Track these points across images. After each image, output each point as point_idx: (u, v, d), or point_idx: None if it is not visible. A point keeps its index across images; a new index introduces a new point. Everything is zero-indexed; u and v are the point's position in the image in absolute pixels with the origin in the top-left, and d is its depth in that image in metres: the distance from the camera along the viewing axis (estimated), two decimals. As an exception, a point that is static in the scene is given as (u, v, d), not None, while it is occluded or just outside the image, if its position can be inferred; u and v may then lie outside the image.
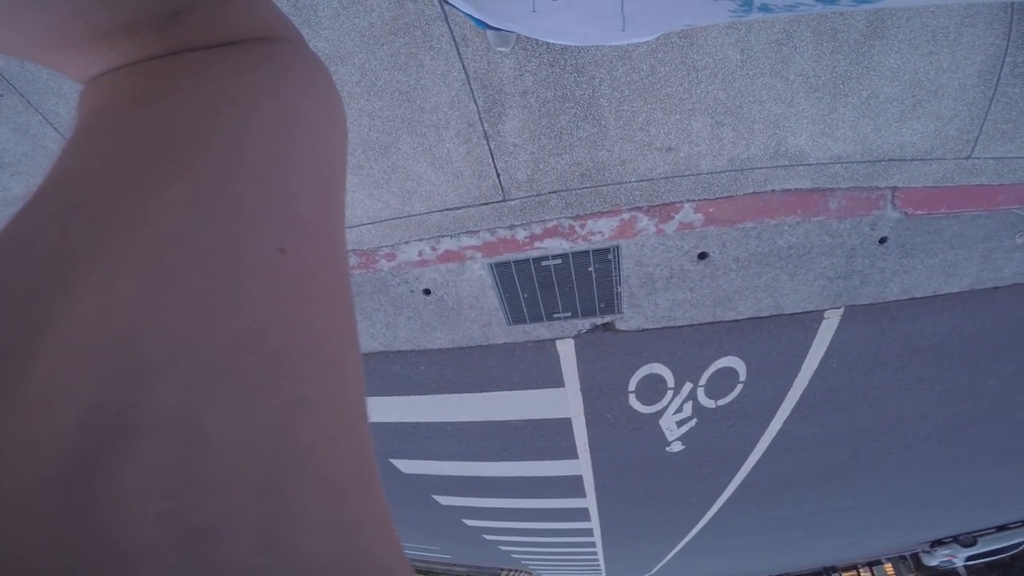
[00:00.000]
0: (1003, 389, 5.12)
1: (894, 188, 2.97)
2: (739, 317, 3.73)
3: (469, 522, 8.70)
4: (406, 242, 3.15)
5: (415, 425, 4.84)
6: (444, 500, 7.24)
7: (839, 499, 8.08)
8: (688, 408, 4.43)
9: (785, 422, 4.75)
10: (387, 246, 3.19)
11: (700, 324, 3.77)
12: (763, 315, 3.73)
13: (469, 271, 3.30)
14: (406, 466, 5.91)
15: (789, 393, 4.44)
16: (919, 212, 3.09)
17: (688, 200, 3.08)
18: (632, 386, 4.22)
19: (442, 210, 2.97)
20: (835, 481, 6.97)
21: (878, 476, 7.22)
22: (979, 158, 2.85)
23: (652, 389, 4.24)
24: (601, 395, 4.32)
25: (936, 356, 4.33)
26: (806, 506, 8.20)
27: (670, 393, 4.27)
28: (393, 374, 4.11)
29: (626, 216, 3.14)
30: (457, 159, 2.78)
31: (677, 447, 4.92)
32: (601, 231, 3.17)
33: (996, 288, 3.70)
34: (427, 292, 3.44)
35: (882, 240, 3.30)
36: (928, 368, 4.47)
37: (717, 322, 3.77)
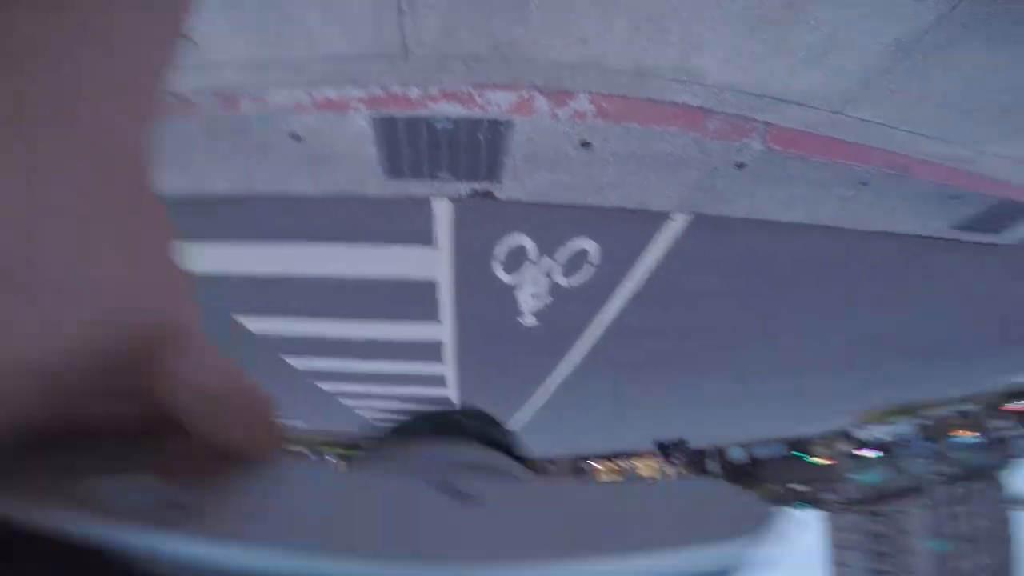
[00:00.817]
0: (794, 311, 6.17)
1: (768, 123, 3.22)
2: (606, 205, 3.98)
3: (323, 385, 8.48)
4: (280, 86, 2.78)
5: (268, 279, 4.62)
6: (297, 362, 6.97)
7: (657, 386, 8.98)
8: (543, 282, 4.78)
9: (621, 309, 5.34)
10: (255, 87, 2.80)
11: (571, 205, 3.95)
12: (628, 207, 4.01)
13: (350, 121, 3.05)
14: (256, 324, 5.63)
15: (628, 283, 4.90)
16: (779, 148, 3.42)
17: (587, 91, 3.06)
18: (499, 254, 4.40)
19: (330, 59, 2.63)
20: (655, 370, 7.78)
21: (692, 371, 8.21)
22: (848, 116, 3.15)
23: (516, 259, 4.47)
24: (469, 259, 4.44)
25: (756, 273, 5.01)
26: (632, 387, 8.92)
27: (530, 265, 4.54)
28: (250, 220, 3.83)
29: (525, 94, 3.06)
30: (358, 6, 2.41)
31: (530, 320, 5.33)
32: (499, 103, 3.08)
33: (816, 226, 4.31)
34: (296, 137, 3.14)
35: (740, 165, 3.62)
36: (747, 282, 5.17)
37: (586, 206, 3.97)
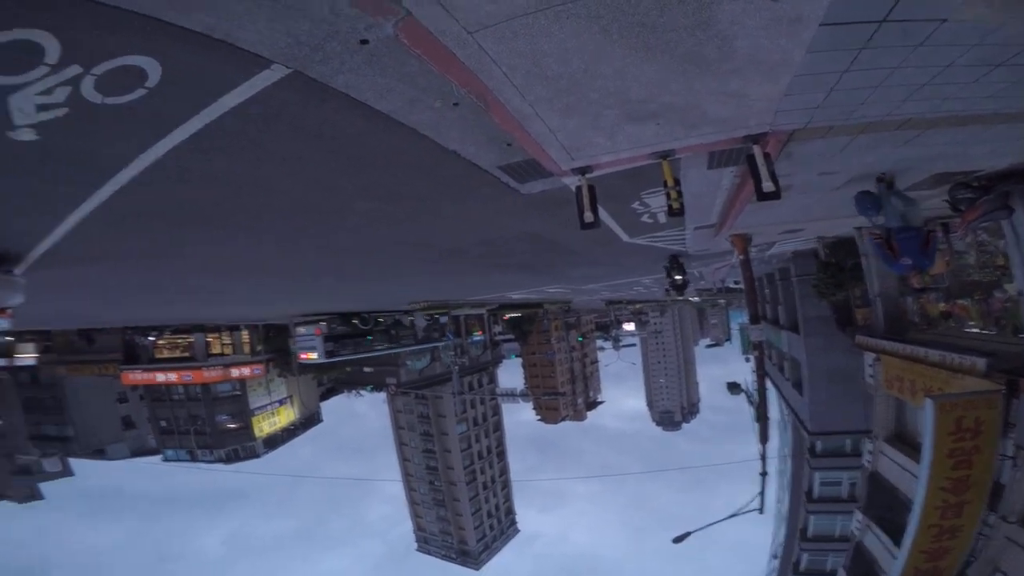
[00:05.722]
0: (352, 197, 6.28)
1: (409, 13, 2.98)
2: (188, 26, 3.04)
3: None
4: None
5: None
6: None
7: (198, 243, 7.94)
8: (62, 94, 3.31)
9: (177, 147, 4.30)
10: None
11: (134, 12, 2.86)
12: (213, 35, 3.16)
13: None
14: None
15: (195, 119, 4.01)
16: (406, 41, 3.25)
17: None
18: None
19: None
20: (198, 226, 6.87)
21: (236, 234, 7.50)
22: (475, 40, 3.21)
23: (19, 59, 2.98)
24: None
25: (332, 148, 4.85)
26: (161, 244, 7.68)
27: (45, 70, 3.08)
28: None
29: None
30: None
31: (26, 135, 3.64)
32: None
33: (402, 124, 4.44)
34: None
35: (363, 41, 3.32)
36: (318, 154, 4.96)
37: (159, 20, 2.95)
